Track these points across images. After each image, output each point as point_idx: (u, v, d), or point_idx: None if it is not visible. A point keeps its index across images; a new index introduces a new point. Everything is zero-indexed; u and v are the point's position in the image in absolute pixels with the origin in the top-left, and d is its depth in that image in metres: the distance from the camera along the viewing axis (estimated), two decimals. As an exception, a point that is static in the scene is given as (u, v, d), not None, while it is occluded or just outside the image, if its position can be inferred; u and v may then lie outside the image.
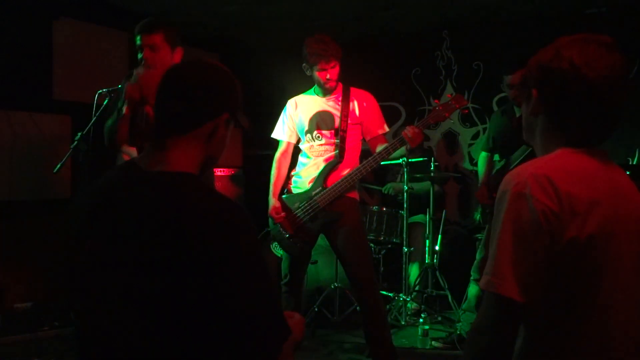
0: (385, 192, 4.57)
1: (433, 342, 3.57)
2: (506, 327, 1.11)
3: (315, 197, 3.10)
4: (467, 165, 5.10)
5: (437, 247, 4.21)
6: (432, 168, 4.13)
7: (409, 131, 2.89)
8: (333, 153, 3.15)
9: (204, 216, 1.09)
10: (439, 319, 4.02)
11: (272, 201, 3.21)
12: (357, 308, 3.44)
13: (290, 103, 3.31)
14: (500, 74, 3.52)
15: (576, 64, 1.15)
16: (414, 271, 4.32)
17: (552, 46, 1.20)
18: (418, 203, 4.39)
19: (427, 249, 4.15)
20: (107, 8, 4.41)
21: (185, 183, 1.17)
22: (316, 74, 3.08)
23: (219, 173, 4.69)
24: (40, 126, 4.04)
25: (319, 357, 3.47)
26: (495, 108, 4.80)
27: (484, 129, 4.88)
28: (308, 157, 3.22)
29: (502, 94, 4.51)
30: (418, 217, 4.47)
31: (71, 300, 1.19)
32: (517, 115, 3.48)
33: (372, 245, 4.20)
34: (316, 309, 3.90)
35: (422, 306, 4.00)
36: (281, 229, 3.17)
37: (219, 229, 1.08)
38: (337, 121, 3.14)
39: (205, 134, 1.23)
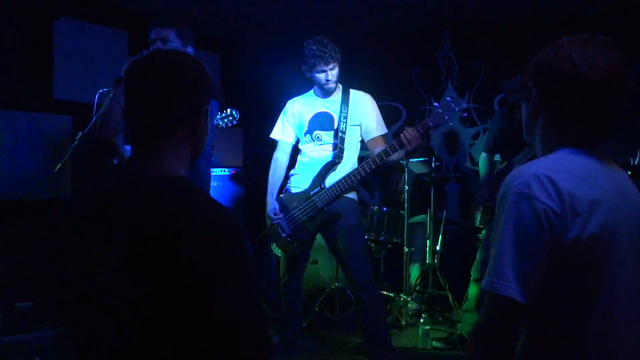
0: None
1: (434, 343, 3.57)
2: (508, 328, 1.11)
3: (314, 197, 3.10)
4: (467, 165, 5.10)
5: (437, 247, 4.21)
6: (432, 168, 4.13)
7: (407, 134, 2.88)
8: (332, 154, 3.15)
9: (194, 223, 1.07)
10: (440, 319, 4.02)
11: (271, 202, 3.21)
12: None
13: (290, 104, 3.31)
14: (502, 72, 3.51)
15: (576, 63, 1.14)
16: (414, 271, 4.31)
17: (552, 46, 1.20)
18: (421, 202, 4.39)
19: (427, 249, 4.15)
20: (107, 7, 4.41)
21: (175, 188, 1.15)
22: (315, 75, 3.08)
23: (219, 173, 4.69)
24: (41, 126, 4.04)
25: (319, 357, 3.47)
26: (496, 108, 4.80)
27: (485, 129, 4.88)
28: (307, 157, 3.23)
29: (503, 94, 4.50)
30: (419, 217, 4.46)
31: (63, 304, 1.18)
32: (519, 116, 3.48)
33: (372, 245, 4.20)
34: (316, 309, 3.90)
35: (423, 306, 3.99)
36: (279, 229, 3.18)
37: (209, 237, 1.06)
38: (336, 122, 3.15)
39: (188, 130, 1.20)
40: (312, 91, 3.27)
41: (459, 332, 3.56)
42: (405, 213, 4.01)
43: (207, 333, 1.04)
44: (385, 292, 4.09)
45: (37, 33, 4.11)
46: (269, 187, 3.25)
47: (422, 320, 3.64)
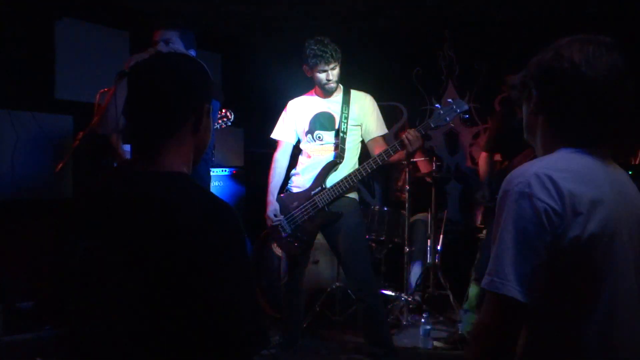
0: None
1: (435, 342, 3.57)
2: (508, 327, 1.11)
3: (315, 197, 3.11)
4: (468, 165, 5.10)
5: (438, 247, 4.21)
6: (433, 168, 4.13)
7: (409, 135, 2.88)
8: (333, 153, 3.16)
9: (195, 218, 1.09)
10: (441, 318, 4.02)
11: (271, 202, 3.22)
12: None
13: (291, 104, 3.32)
14: (502, 72, 3.51)
15: (576, 63, 1.15)
16: (415, 271, 4.31)
17: (553, 46, 1.20)
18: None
19: (428, 248, 4.15)
20: (108, 8, 4.41)
21: (176, 183, 1.17)
22: (316, 75, 3.09)
23: (220, 172, 4.70)
24: (42, 125, 4.04)
25: (320, 357, 3.47)
26: (497, 108, 4.80)
27: (485, 129, 4.88)
28: (308, 157, 3.23)
29: (504, 94, 4.51)
30: (419, 215, 4.46)
31: (64, 303, 1.19)
32: (519, 116, 3.48)
33: (373, 244, 4.20)
34: (317, 309, 3.90)
35: (424, 306, 3.99)
36: (280, 229, 3.18)
37: (209, 230, 1.08)
38: (337, 122, 3.15)
39: (190, 129, 1.22)
40: (313, 91, 3.28)
41: (459, 332, 3.56)
42: (406, 213, 4.02)
43: (206, 323, 1.06)
44: (386, 292, 4.09)
45: (38, 33, 4.12)
46: (270, 187, 3.26)
47: (423, 320, 3.64)
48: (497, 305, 1.10)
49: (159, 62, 1.25)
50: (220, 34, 5.28)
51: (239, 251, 1.13)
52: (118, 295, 1.09)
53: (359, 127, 3.19)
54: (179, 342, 1.07)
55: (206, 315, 1.06)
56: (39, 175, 4.06)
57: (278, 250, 3.93)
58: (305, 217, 3.13)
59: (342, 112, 3.15)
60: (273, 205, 3.20)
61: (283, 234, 3.19)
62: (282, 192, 3.30)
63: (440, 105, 3.00)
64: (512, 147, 3.41)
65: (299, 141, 3.33)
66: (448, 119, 2.95)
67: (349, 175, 3.06)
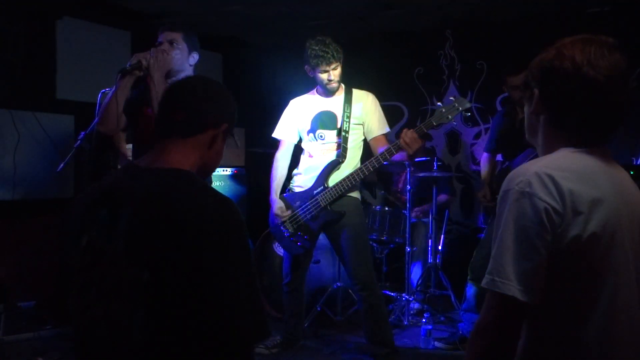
0: None
1: (436, 342, 3.56)
2: (509, 327, 1.11)
3: (317, 197, 3.11)
4: (470, 165, 5.10)
5: (440, 247, 4.20)
6: (435, 168, 4.12)
7: (405, 137, 2.83)
8: (335, 153, 3.16)
9: (195, 210, 1.13)
10: (442, 319, 4.02)
11: (275, 200, 3.21)
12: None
13: (293, 103, 3.32)
14: (504, 75, 3.51)
15: (578, 63, 1.15)
16: (416, 271, 4.31)
17: (554, 46, 1.20)
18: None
19: (430, 248, 4.15)
20: (110, 7, 4.41)
21: (178, 177, 1.22)
22: (318, 75, 3.09)
23: (221, 172, 4.70)
24: (43, 125, 4.05)
25: (322, 356, 3.47)
26: (498, 107, 4.79)
27: (487, 129, 4.87)
28: (310, 156, 3.23)
29: (506, 94, 4.50)
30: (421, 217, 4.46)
31: (65, 297, 1.22)
32: (520, 116, 3.47)
33: (374, 245, 4.20)
34: (319, 309, 3.90)
35: (425, 306, 3.99)
36: (282, 228, 3.18)
37: (210, 223, 1.12)
38: (339, 121, 3.15)
39: (204, 142, 1.31)
40: (314, 90, 3.28)
41: (460, 332, 3.56)
42: (407, 212, 4.01)
43: (207, 315, 1.09)
44: (387, 292, 4.09)
45: (39, 33, 4.12)
46: (273, 187, 3.26)
47: (424, 320, 3.64)
48: (498, 304, 1.10)
49: (193, 79, 1.44)
50: (221, 33, 5.28)
51: (240, 244, 1.16)
52: (120, 286, 1.12)
53: (361, 126, 3.19)
54: (181, 334, 1.09)
55: (207, 307, 1.09)
56: (40, 174, 4.07)
57: (280, 250, 3.93)
58: (308, 216, 3.13)
59: (344, 111, 3.14)
60: (278, 202, 3.20)
61: (285, 234, 3.19)
62: (284, 192, 3.30)
63: (442, 103, 2.98)
64: (513, 148, 3.40)
65: (300, 140, 3.32)
66: (450, 116, 2.93)
67: (351, 174, 3.06)
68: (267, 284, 4.24)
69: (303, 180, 3.23)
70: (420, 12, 4.64)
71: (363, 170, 3.03)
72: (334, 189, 3.08)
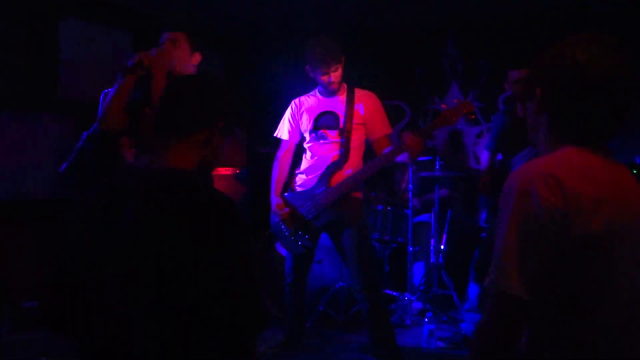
0: None
1: (438, 342, 3.56)
2: (511, 326, 1.11)
3: (319, 196, 3.10)
4: (471, 164, 5.09)
5: (442, 247, 4.20)
6: (437, 167, 4.12)
7: (407, 140, 2.84)
8: (337, 153, 3.15)
9: (197, 210, 1.15)
10: (445, 318, 4.01)
11: (275, 198, 3.22)
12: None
13: (295, 102, 3.32)
14: (506, 71, 3.50)
15: (580, 62, 1.15)
16: (419, 271, 4.31)
17: (556, 45, 1.21)
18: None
19: (432, 248, 4.15)
20: (112, 8, 4.42)
21: (180, 178, 1.24)
22: (318, 77, 3.09)
23: (223, 172, 4.70)
24: (46, 125, 4.06)
25: (324, 356, 3.47)
26: (500, 107, 4.79)
27: (489, 128, 4.87)
28: (312, 156, 3.23)
29: (508, 93, 4.50)
30: (423, 217, 4.46)
31: (68, 296, 1.23)
32: (520, 115, 3.47)
33: (376, 244, 4.20)
34: (321, 309, 3.90)
35: (427, 306, 3.99)
36: (283, 228, 3.18)
37: (211, 221, 1.15)
38: (342, 121, 3.15)
39: (202, 140, 1.33)
40: (316, 90, 3.28)
41: (463, 332, 3.56)
42: (409, 212, 4.01)
43: (210, 309, 1.13)
44: (389, 292, 4.09)
45: (42, 33, 4.13)
46: (274, 186, 3.26)
47: (426, 319, 3.63)
48: (500, 303, 1.10)
49: (192, 77, 1.46)
50: (223, 34, 5.29)
51: (240, 243, 1.19)
52: (125, 286, 1.14)
53: (363, 126, 3.19)
54: (184, 330, 1.12)
55: (209, 303, 1.12)
56: (42, 175, 4.08)
57: (282, 250, 3.93)
58: (309, 216, 3.13)
59: (346, 111, 3.14)
60: (277, 200, 3.20)
61: (286, 233, 3.19)
62: (286, 191, 3.30)
63: (446, 106, 2.98)
64: (514, 146, 3.40)
65: (302, 140, 3.32)
66: (454, 119, 2.94)
67: (354, 175, 3.05)
68: (269, 283, 4.24)
69: (305, 180, 3.23)
70: (421, 11, 4.64)
71: (366, 171, 3.03)
72: (336, 189, 3.07)
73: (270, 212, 3.29)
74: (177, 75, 1.44)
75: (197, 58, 2.80)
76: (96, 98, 3.14)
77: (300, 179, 3.27)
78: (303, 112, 3.25)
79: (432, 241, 4.16)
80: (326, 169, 3.13)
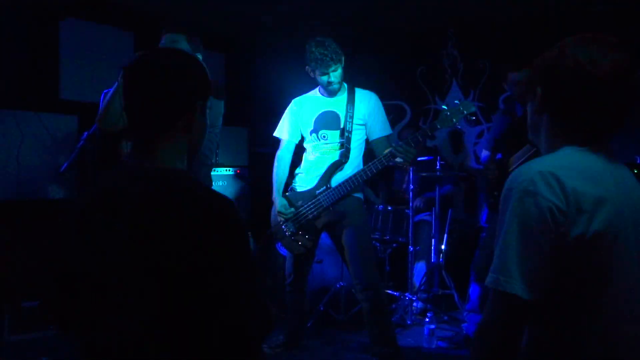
0: None
1: (439, 342, 3.56)
2: (513, 325, 1.11)
3: (319, 196, 3.11)
4: (472, 163, 5.09)
5: (443, 246, 4.20)
6: (438, 167, 4.12)
7: (399, 149, 2.89)
8: (338, 152, 3.15)
9: (196, 212, 1.11)
10: (445, 318, 4.01)
11: (278, 199, 3.22)
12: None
13: (295, 102, 3.31)
14: (505, 70, 3.50)
15: (580, 62, 1.15)
16: (419, 270, 4.31)
17: (557, 45, 1.21)
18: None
19: (433, 248, 4.15)
20: (113, 8, 4.42)
21: (176, 179, 1.19)
22: (318, 77, 3.09)
23: (224, 172, 4.70)
24: (46, 126, 4.06)
25: (324, 356, 3.47)
26: (501, 107, 4.79)
27: (489, 128, 4.87)
28: (313, 156, 3.23)
29: (508, 93, 4.50)
30: (424, 216, 4.46)
31: (65, 302, 1.20)
32: (519, 115, 3.47)
33: (377, 244, 4.20)
34: (321, 308, 3.90)
35: (428, 305, 3.99)
36: (284, 228, 3.18)
37: (209, 224, 1.11)
38: (342, 121, 3.15)
39: (185, 124, 1.24)
40: (317, 90, 3.27)
41: (464, 332, 3.56)
42: (410, 212, 4.01)
43: (212, 315, 1.09)
44: (390, 292, 4.09)
45: (43, 33, 4.13)
46: (275, 186, 3.26)
47: (427, 319, 3.63)
48: (502, 302, 1.10)
49: (153, 57, 1.25)
50: (224, 33, 5.29)
51: (240, 243, 1.15)
52: (123, 291, 1.11)
53: (364, 126, 3.19)
54: (187, 336, 1.09)
55: (212, 307, 1.08)
56: (43, 175, 4.08)
57: (282, 250, 3.93)
58: (310, 216, 3.13)
59: (346, 111, 3.14)
60: (281, 201, 3.20)
61: (287, 233, 3.19)
62: (287, 191, 3.30)
63: (446, 106, 2.98)
64: (513, 146, 3.40)
65: (302, 140, 3.32)
66: (455, 120, 2.94)
67: (354, 175, 3.05)
68: (270, 283, 4.24)
69: (305, 180, 3.23)
70: (422, 11, 4.64)
71: (366, 172, 3.03)
72: (336, 190, 3.07)
73: (270, 212, 3.29)
74: (130, 62, 1.26)
75: (197, 58, 2.81)
76: (97, 98, 3.15)
77: (300, 178, 3.27)
78: (303, 111, 3.25)
79: (433, 241, 4.16)
80: (327, 169, 3.13)
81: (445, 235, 4.25)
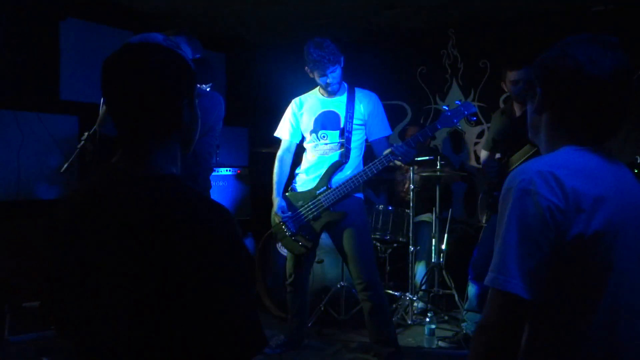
0: None
1: (439, 342, 3.56)
2: (512, 324, 1.11)
3: (320, 197, 3.11)
4: (473, 163, 5.09)
5: (443, 246, 4.20)
6: (438, 167, 4.12)
7: (396, 151, 2.91)
8: (338, 152, 3.16)
9: (188, 221, 1.05)
10: (446, 318, 4.01)
11: (277, 200, 3.22)
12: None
13: (295, 102, 3.32)
14: (503, 69, 3.49)
15: (580, 62, 1.15)
16: (420, 270, 4.31)
17: (557, 45, 1.21)
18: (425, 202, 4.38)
19: (433, 248, 4.15)
20: (113, 8, 4.42)
21: (168, 186, 1.12)
22: (317, 78, 3.10)
23: (224, 172, 4.71)
24: (47, 126, 4.06)
25: (325, 356, 3.47)
26: (502, 106, 4.78)
27: (489, 128, 4.87)
28: (313, 156, 3.24)
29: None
30: (424, 216, 4.46)
31: (56, 310, 1.17)
32: (518, 114, 3.47)
33: (378, 244, 4.20)
34: (322, 308, 3.90)
35: (429, 305, 3.99)
36: (284, 228, 3.19)
37: (203, 234, 1.05)
38: (342, 121, 3.15)
39: (172, 124, 1.17)
40: (317, 89, 3.28)
41: (464, 332, 3.56)
42: (410, 212, 4.01)
43: (201, 328, 1.04)
44: (390, 291, 4.09)
45: (43, 34, 4.13)
46: (275, 186, 3.26)
47: (427, 319, 3.63)
48: (501, 302, 1.10)
49: (128, 56, 1.17)
50: (224, 33, 5.29)
51: (234, 254, 1.09)
52: (113, 301, 1.07)
53: (364, 126, 3.19)
54: (174, 347, 1.04)
55: (201, 319, 1.03)
56: (44, 175, 4.08)
57: (283, 250, 3.94)
58: (310, 216, 3.14)
59: (347, 112, 3.14)
60: (280, 203, 3.21)
61: (287, 233, 3.19)
62: (287, 191, 3.31)
63: (447, 107, 2.99)
64: (511, 146, 3.39)
65: (302, 140, 3.32)
66: (455, 120, 2.94)
67: (354, 176, 3.06)
68: (270, 283, 4.25)
69: (305, 180, 3.23)
70: (423, 11, 4.64)
71: (366, 172, 3.03)
72: (337, 190, 3.08)
73: (270, 212, 3.29)
74: (107, 60, 1.18)
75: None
76: (97, 98, 3.14)
77: (300, 178, 3.28)
78: (303, 111, 3.25)
79: (434, 241, 4.16)
80: (327, 169, 3.13)
81: (446, 235, 4.24)
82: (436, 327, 3.64)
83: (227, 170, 4.72)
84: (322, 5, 4.38)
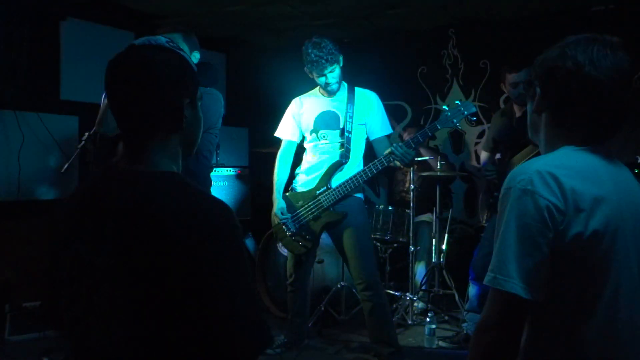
0: None
1: (440, 342, 3.56)
2: (511, 324, 1.11)
3: (320, 197, 3.11)
4: (473, 163, 5.09)
5: (443, 246, 4.20)
6: (439, 167, 4.12)
7: (396, 152, 2.90)
8: (338, 152, 3.15)
9: (188, 217, 1.05)
10: (446, 318, 4.01)
11: (277, 200, 3.22)
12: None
13: (295, 102, 3.32)
14: (503, 71, 3.49)
15: (580, 62, 1.15)
16: (420, 270, 4.31)
17: (557, 45, 1.21)
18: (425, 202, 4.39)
19: (433, 248, 4.15)
20: (114, 8, 4.42)
21: (168, 183, 1.13)
22: (316, 79, 3.10)
23: (225, 172, 4.71)
24: (48, 126, 4.06)
25: (326, 356, 3.47)
26: (502, 107, 4.78)
27: (489, 128, 4.86)
28: (313, 155, 3.23)
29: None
30: (424, 216, 4.46)
31: (56, 308, 1.17)
32: (518, 115, 3.47)
33: (378, 244, 4.20)
34: (322, 308, 3.90)
35: (429, 305, 3.99)
36: (284, 228, 3.19)
37: (203, 230, 1.05)
38: (342, 121, 3.15)
39: (174, 124, 1.18)
40: (317, 89, 3.27)
41: (464, 332, 3.56)
42: (410, 212, 4.01)
43: (205, 325, 1.03)
44: (391, 291, 4.09)
45: (43, 34, 4.13)
46: (275, 186, 3.26)
47: (428, 319, 3.63)
48: (500, 301, 1.10)
49: (131, 57, 1.19)
50: (225, 33, 5.29)
51: (235, 250, 1.09)
52: (112, 299, 1.06)
53: (364, 125, 3.19)
54: (178, 346, 1.04)
55: (205, 317, 1.03)
56: (45, 175, 4.08)
57: (283, 250, 3.94)
58: (310, 216, 3.14)
59: (346, 111, 3.14)
60: (280, 204, 3.21)
61: (288, 233, 3.19)
62: (287, 191, 3.31)
63: (447, 107, 2.99)
64: (511, 146, 3.39)
65: (303, 139, 3.32)
66: (455, 121, 2.94)
67: (354, 176, 3.06)
68: (271, 283, 4.25)
69: (306, 180, 3.23)
70: (423, 12, 4.64)
71: (367, 172, 3.03)
72: (337, 190, 3.08)
73: (270, 212, 3.29)
74: (111, 61, 1.19)
75: (196, 57, 2.81)
76: (98, 99, 3.16)
77: (301, 178, 3.28)
78: (304, 111, 3.25)
79: (434, 241, 4.16)
80: (327, 169, 3.13)
81: (446, 235, 4.25)
82: (436, 327, 3.64)
83: (227, 170, 4.73)
84: (322, 5, 4.38)
